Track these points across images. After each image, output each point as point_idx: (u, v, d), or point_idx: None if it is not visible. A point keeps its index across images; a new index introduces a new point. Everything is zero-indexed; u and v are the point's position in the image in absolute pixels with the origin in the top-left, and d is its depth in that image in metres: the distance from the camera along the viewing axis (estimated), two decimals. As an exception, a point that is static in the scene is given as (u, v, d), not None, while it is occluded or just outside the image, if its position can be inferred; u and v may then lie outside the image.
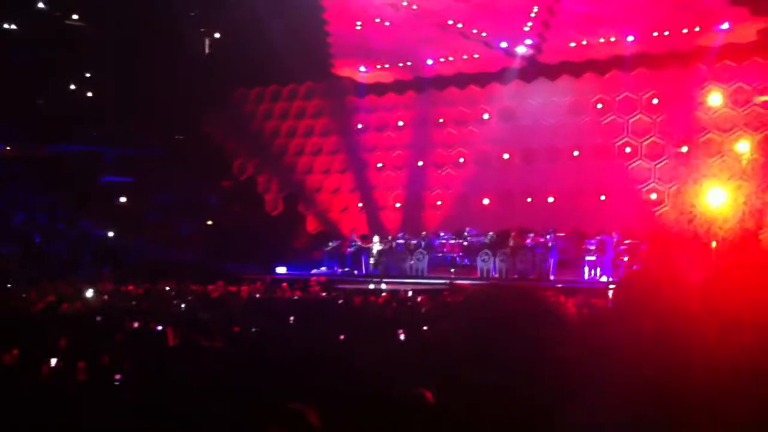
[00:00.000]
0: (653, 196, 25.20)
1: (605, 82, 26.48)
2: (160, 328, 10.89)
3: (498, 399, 2.64)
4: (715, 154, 24.52)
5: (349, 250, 26.19)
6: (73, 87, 33.96)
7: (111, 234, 29.76)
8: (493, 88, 28.15)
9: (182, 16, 30.58)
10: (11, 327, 10.73)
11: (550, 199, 26.58)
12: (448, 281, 21.23)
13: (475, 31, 25.90)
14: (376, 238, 24.24)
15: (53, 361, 8.47)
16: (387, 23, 25.99)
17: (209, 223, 32.88)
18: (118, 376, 7.66)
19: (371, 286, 21.13)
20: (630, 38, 25.13)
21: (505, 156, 27.71)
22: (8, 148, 33.52)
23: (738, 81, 24.46)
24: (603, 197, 25.80)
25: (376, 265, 23.70)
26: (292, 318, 12.31)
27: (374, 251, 23.68)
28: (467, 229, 26.03)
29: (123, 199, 33.14)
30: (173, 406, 6.40)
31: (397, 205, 29.33)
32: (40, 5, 32.12)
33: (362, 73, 29.96)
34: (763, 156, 23.93)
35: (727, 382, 2.59)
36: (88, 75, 34.09)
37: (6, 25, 32.04)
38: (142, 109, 30.80)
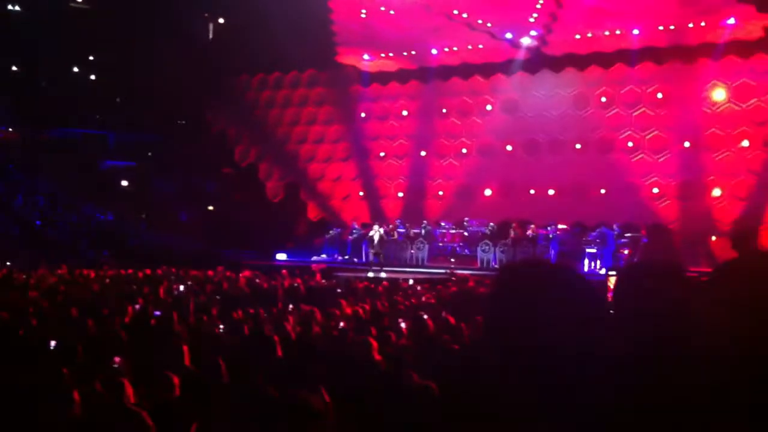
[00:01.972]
0: (655, 189, 25.18)
1: (610, 75, 26.41)
2: (158, 313, 10.89)
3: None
4: (719, 150, 24.53)
5: (350, 237, 26.19)
6: (76, 70, 33.91)
7: (111, 218, 29.77)
8: (498, 79, 28.09)
9: (186, 1, 30.51)
10: (12, 312, 10.74)
11: (551, 192, 26.56)
12: (448, 271, 21.22)
13: (480, 21, 25.79)
14: (376, 227, 24.15)
15: (52, 344, 8.45)
16: (392, 12, 25.88)
17: (210, 209, 32.88)
18: (117, 359, 7.63)
19: (370, 275, 21.08)
20: (635, 32, 25.04)
21: (508, 148, 27.64)
22: (10, 129, 33.52)
23: (743, 77, 24.43)
24: (604, 190, 25.80)
25: (376, 253, 23.61)
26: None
27: (375, 239, 23.57)
28: (468, 219, 26.04)
29: (124, 184, 33.15)
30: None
31: (400, 194, 29.30)
32: (45, -13, 32.05)
33: (366, 61, 29.86)
34: (766, 151, 23.97)
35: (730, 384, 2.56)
36: (91, 58, 34.04)
37: (10, 7, 31.96)
38: (144, 94, 30.78)
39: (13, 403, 6.00)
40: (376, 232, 23.86)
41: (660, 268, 2.97)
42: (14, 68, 33.19)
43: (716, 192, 24.41)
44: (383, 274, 20.99)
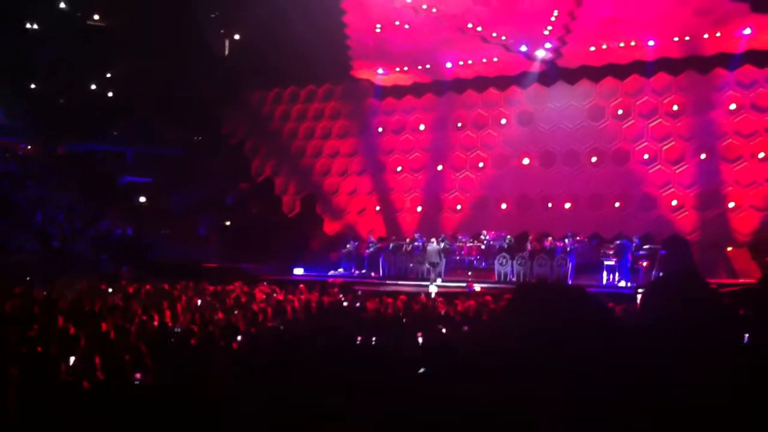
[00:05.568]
0: (673, 202, 25.06)
1: (625, 86, 26.37)
2: (178, 330, 10.93)
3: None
4: (736, 160, 24.43)
5: (366, 252, 26.17)
6: (94, 87, 34.18)
7: (130, 233, 29.93)
8: (513, 92, 28.10)
9: (202, 17, 30.74)
10: (33, 325, 10.81)
11: (568, 204, 26.51)
12: (465, 284, 21.15)
13: (494, 34, 25.83)
14: (434, 240, 23.73)
15: (71, 359, 8.48)
16: (407, 26, 25.97)
17: (227, 223, 32.98)
18: (138, 375, 7.65)
19: (432, 289, 20.80)
20: (650, 43, 25.00)
21: (525, 161, 27.58)
22: (29, 147, 33.76)
23: (760, 87, 24.36)
24: (619, 203, 25.72)
25: (433, 264, 23.11)
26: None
27: (434, 251, 22.95)
28: (485, 232, 25.99)
29: (142, 199, 33.32)
30: (194, 406, 6.40)
31: (418, 209, 29.22)
32: (62, 5, 32.37)
33: (380, 75, 29.93)
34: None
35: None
36: (108, 75, 34.31)
37: (28, 25, 32.30)
38: (161, 110, 30.96)
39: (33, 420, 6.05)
40: (433, 244, 23.52)
41: (680, 280, 3.00)
42: (32, 85, 33.50)
43: (734, 202, 24.28)
44: (435, 288, 20.71)
